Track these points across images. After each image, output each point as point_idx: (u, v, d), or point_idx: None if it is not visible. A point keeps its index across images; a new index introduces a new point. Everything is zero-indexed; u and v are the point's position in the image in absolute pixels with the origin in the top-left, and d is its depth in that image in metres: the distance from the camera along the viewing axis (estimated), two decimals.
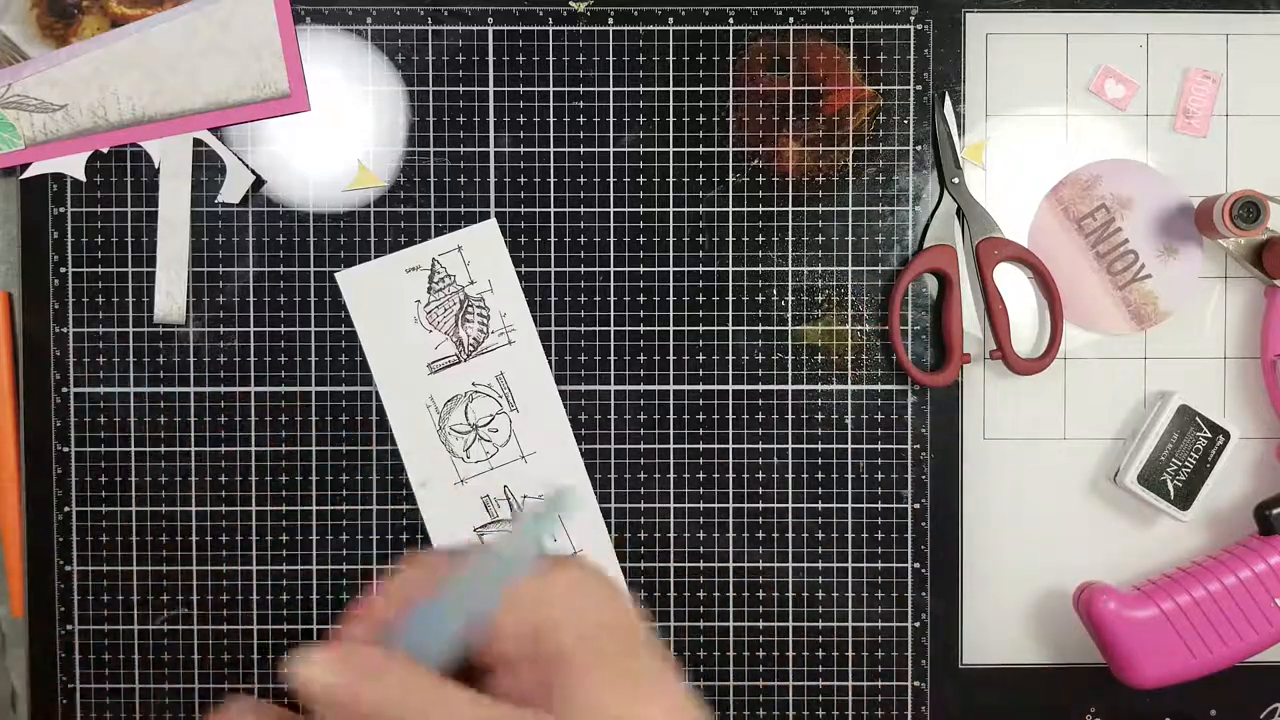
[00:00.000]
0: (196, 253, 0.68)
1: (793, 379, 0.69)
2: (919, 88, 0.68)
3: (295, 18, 0.68)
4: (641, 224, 0.68)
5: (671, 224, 0.68)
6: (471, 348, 0.68)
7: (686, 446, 0.69)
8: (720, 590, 0.69)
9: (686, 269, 0.68)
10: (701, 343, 0.69)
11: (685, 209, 0.68)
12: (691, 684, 0.69)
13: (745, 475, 0.69)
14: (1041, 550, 0.69)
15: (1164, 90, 0.69)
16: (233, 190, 0.68)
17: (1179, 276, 0.69)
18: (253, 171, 0.68)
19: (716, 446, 0.69)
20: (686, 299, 0.69)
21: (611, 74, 0.68)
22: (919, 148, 0.68)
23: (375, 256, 0.68)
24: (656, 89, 0.68)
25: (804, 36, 0.68)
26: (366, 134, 0.68)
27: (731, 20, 0.68)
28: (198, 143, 0.68)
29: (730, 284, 0.69)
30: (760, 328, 0.69)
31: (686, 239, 0.68)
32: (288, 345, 0.68)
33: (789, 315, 0.69)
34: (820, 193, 0.68)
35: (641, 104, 0.68)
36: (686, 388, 0.69)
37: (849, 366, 0.69)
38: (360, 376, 0.68)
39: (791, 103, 0.68)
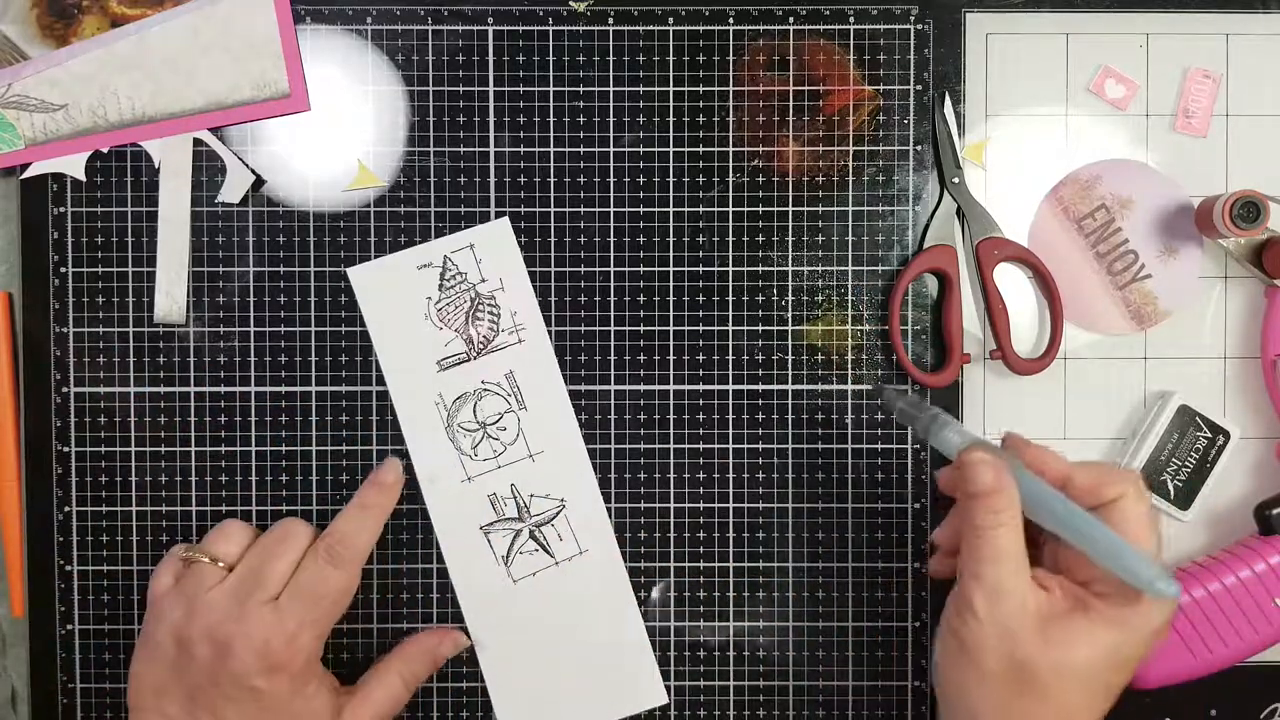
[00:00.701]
0: (196, 253, 0.68)
1: (793, 379, 0.69)
2: (919, 88, 0.68)
3: (295, 18, 0.68)
4: (641, 224, 0.68)
5: (671, 224, 0.68)
6: (481, 346, 0.68)
7: (686, 446, 0.69)
8: (720, 590, 0.69)
9: (686, 269, 0.68)
10: (701, 343, 0.69)
11: (685, 209, 0.68)
12: (691, 684, 0.69)
13: (745, 475, 0.69)
14: None
15: (1164, 90, 0.69)
16: (233, 190, 0.68)
17: (1179, 276, 0.69)
18: (253, 171, 0.68)
19: (716, 446, 0.69)
20: (686, 299, 0.69)
21: (611, 74, 0.68)
22: (919, 148, 0.68)
23: (376, 256, 0.68)
24: (656, 89, 0.68)
25: (804, 36, 0.68)
26: (366, 134, 0.68)
27: (731, 20, 0.68)
28: (198, 143, 0.68)
29: (730, 284, 0.69)
30: (760, 328, 0.69)
31: (686, 239, 0.68)
32: (288, 345, 0.68)
33: (789, 315, 0.69)
34: (820, 193, 0.68)
35: (641, 104, 0.68)
36: (686, 388, 0.69)
37: (849, 366, 0.69)
38: (361, 376, 0.68)
39: (791, 103, 0.68)
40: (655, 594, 0.68)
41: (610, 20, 0.68)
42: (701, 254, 0.68)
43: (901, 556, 0.69)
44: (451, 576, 0.68)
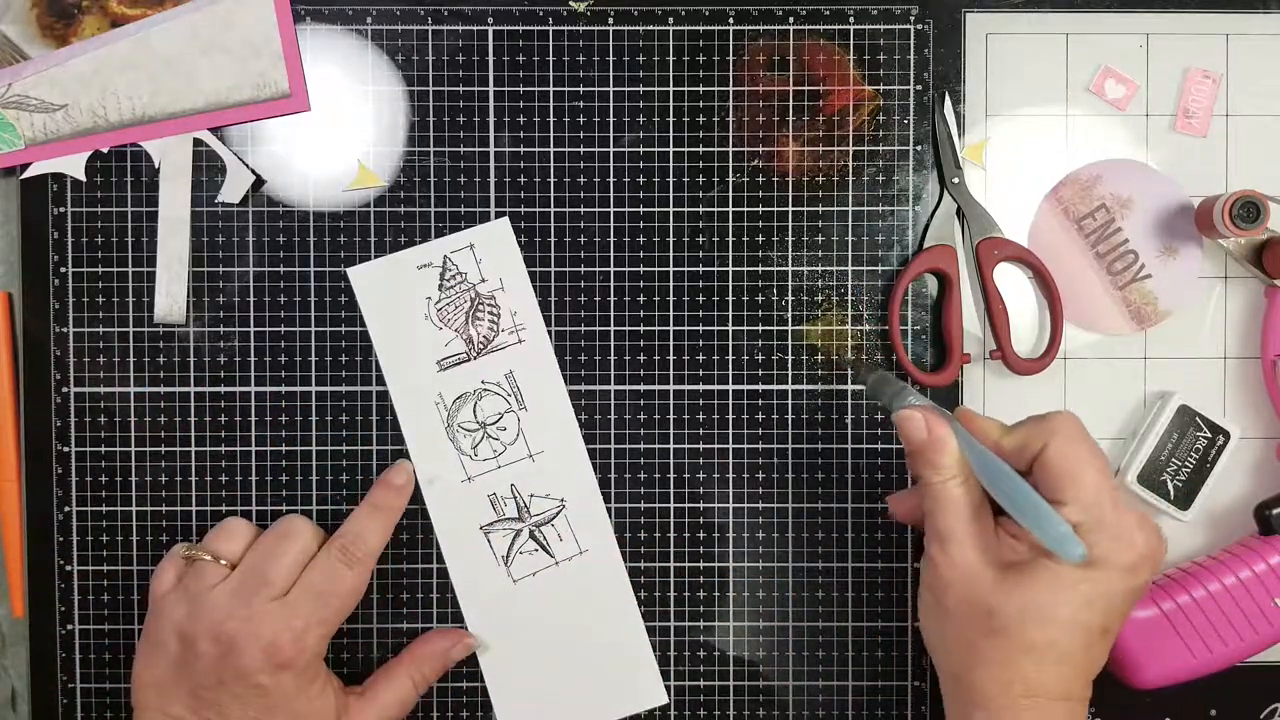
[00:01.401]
0: (196, 253, 0.68)
1: (793, 379, 0.69)
2: (919, 88, 0.68)
3: (295, 17, 0.68)
4: (641, 224, 0.68)
5: (671, 224, 0.68)
6: (481, 346, 0.68)
7: (686, 446, 0.69)
8: (720, 590, 0.69)
9: (686, 269, 0.68)
10: (701, 343, 0.69)
11: (685, 209, 0.68)
12: (691, 684, 0.69)
13: (745, 475, 0.69)
14: None
15: (1164, 90, 0.69)
16: (233, 190, 0.68)
17: (1179, 276, 0.69)
18: (253, 171, 0.68)
19: (716, 446, 0.69)
20: (686, 299, 0.69)
21: (611, 74, 0.68)
22: (919, 148, 0.68)
23: (376, 256, 0.68)
24: (656, 89, 0.68)
25: (804, 36, 0.68)
26: (366, 134, 0.68)
27: (731, 20, 0.68)
28: (198, 143, 0.68)
29: (730, 284, 0.69)
30: (760, 328, 0.69)
31: (686, 239, 0.68)
32: (288, 345, 0.68)
33: (789, 315, 0.69)
34: (820, 193, 0.68)
35: (641, 104, 0.68)
36: (686, 388, 0.69)
37: (849, 366, 0.69)
38: (361, 376, 0.68)
39: (791, 103, 0.68)
40: None
41: (610, 20, 0.68)
42: (701, 254, 0.68)
43: (901, 556, 0.69)
44: (451, 576, 0.68)
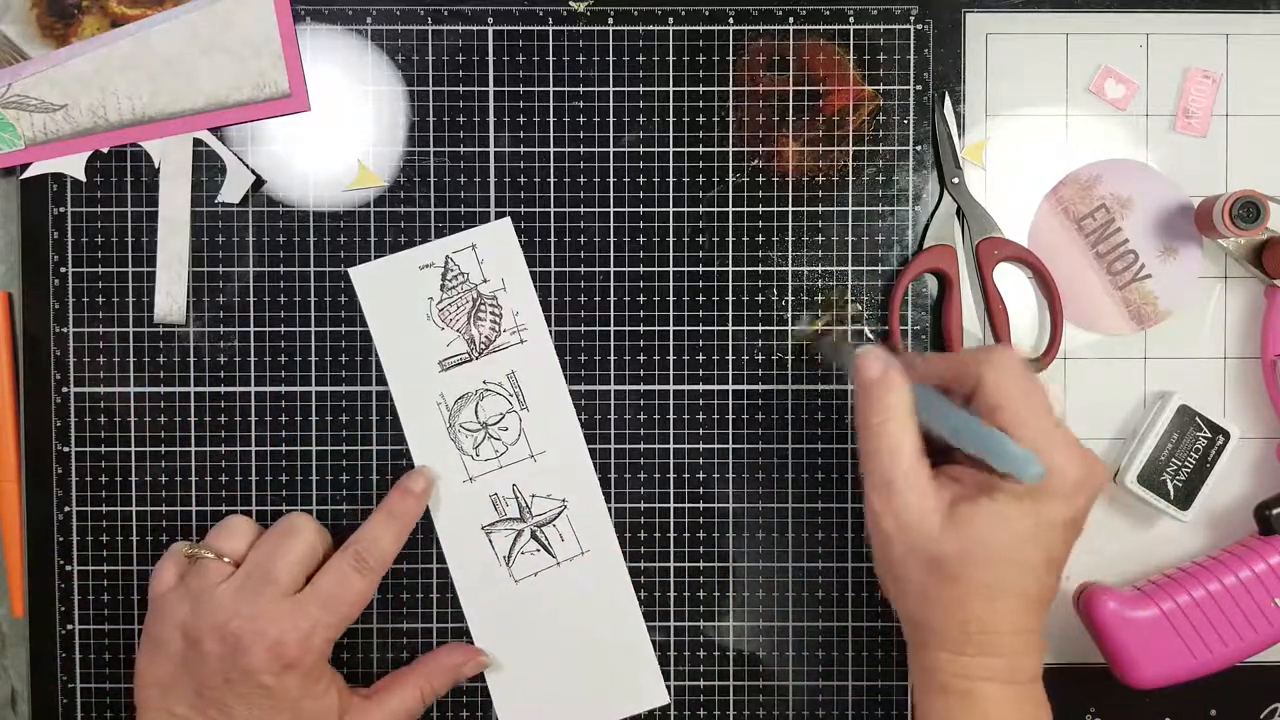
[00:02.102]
0: (196, 253, 0.68)
1: (793, 379, 0.69)
2: (919, 88, 0.68)
3: (295, 17, 0.68)
4: (641, 224, 0.68)
5: (671, 224, 0.68)
6: (483, 346, 0.68)
7: (686, 446, 0.69)
8: (720, 590, 0.69)
9: (686, 269, 0.68)
10: (701, 343, 0.69)
11: (685, 209, 0.68)
12: (692, 683, 0.69)
13: (745, 475, 0.69)
14: None
15: (1164, 90, 0.69)
16: (233, 190, 0.68)
17: (1179, 276, 0.69)
18: (253, 171, 0.68)
19: (716, 446, 0.69)
20: (686, 299, 0.69)
21: (611, 74, 0.68)
22: (919, 148, 0.68)
23: (376, 257, 0.68)
24: (656, 89, 0.68)
25: (804, 36, 0.68)
26: (366, 134, 0.68)
27: (731, 20, 0.68)
28: (198, 143, 0.68)
29: (730, 284, 0.69)
30: (760, 328, 0.69)
31: (686, 239, 0.68)
32: (288, 345, 0.68)
33: (789, 315, 0.69)
34: (820, 193, 0.68)
35: (641, 104, 0.68)
36: (686, 388, 0.69)
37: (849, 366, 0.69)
38: (361, 376, 0.68)
39: (791, 103, 0.68)
40: None
41: (610, 20, 0.68)
42: (701, 254, 0.68)
43: None
44: (453, 577, 0.68)
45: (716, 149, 0.68)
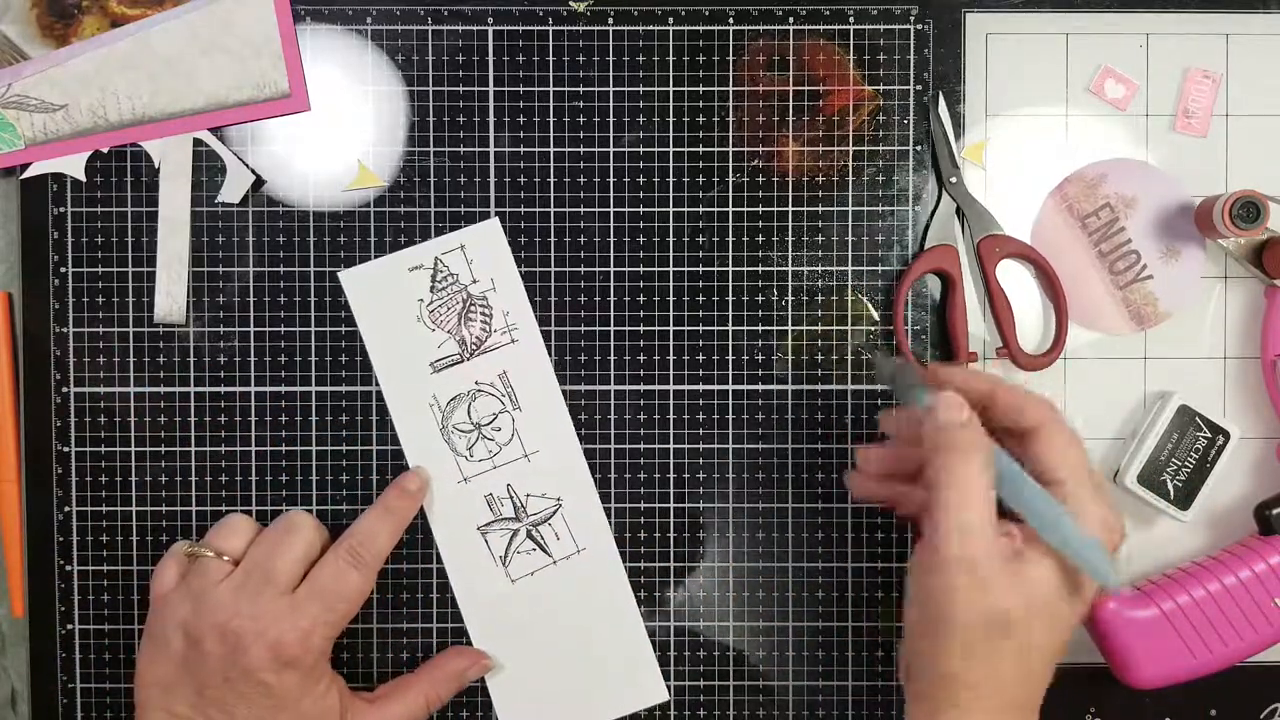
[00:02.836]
0: (196, 253, 0.68)
1: (793, 379, 0.69)
2: (919, 88, 0.68)
3: (295, 17, 0.68)
4: (641, 224, 0.68)
5: (671, 224, 0.68)
6: (474, 347, 0.68)
7: (686, 446, 0.69)
8: (720, 590, 0.69)
9: (686, 269, 0.68)
10: (701, 343, 0.69)
11: (685, 209, 0.68)
12: (691, 683, 0.69)
13: (745, 475, 0.69)
14: None
15: (1164, 90, 0.69)
16: (233, 190, 0.68)
17: (1180, 278, 0.69)
18: (253, 171, 0.68)
19: (716, 446, 0.69)
20: (686, 299, 0.69)
21: (611, 74, 0.68)
22: (919, 148, 0.68)
23: (375, 256, 0.68)
24: (656, 89, 0.68)
25: (804, 36, 0.68)
26: (366, 134, 0.68)
27: (731, 20, 0.68)
28: (198, 143, 0.68)
29: (730, 284, 0.69)
30: (760, 328, 0.69)
31: (686, 239, 0.68)
32: (288, 345, 0.68)
33: (789, 315, 0.69)
34: (820, 193, 0.68)
35: (641, 104, 0.68)
36: (686, 388, 0.69)
37: (849, 366, 0.69)
38: (360, 376, 0.68)
39: (791, 103, 0.68)
40: None
41: (610, 20, 0.68)
42: (701, 254, 0.68)
43: (901, 557, 0.69)
44: (450, 577, 0.68)
45: (716, 149, 0.68)
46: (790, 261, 0.68)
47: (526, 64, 0.68)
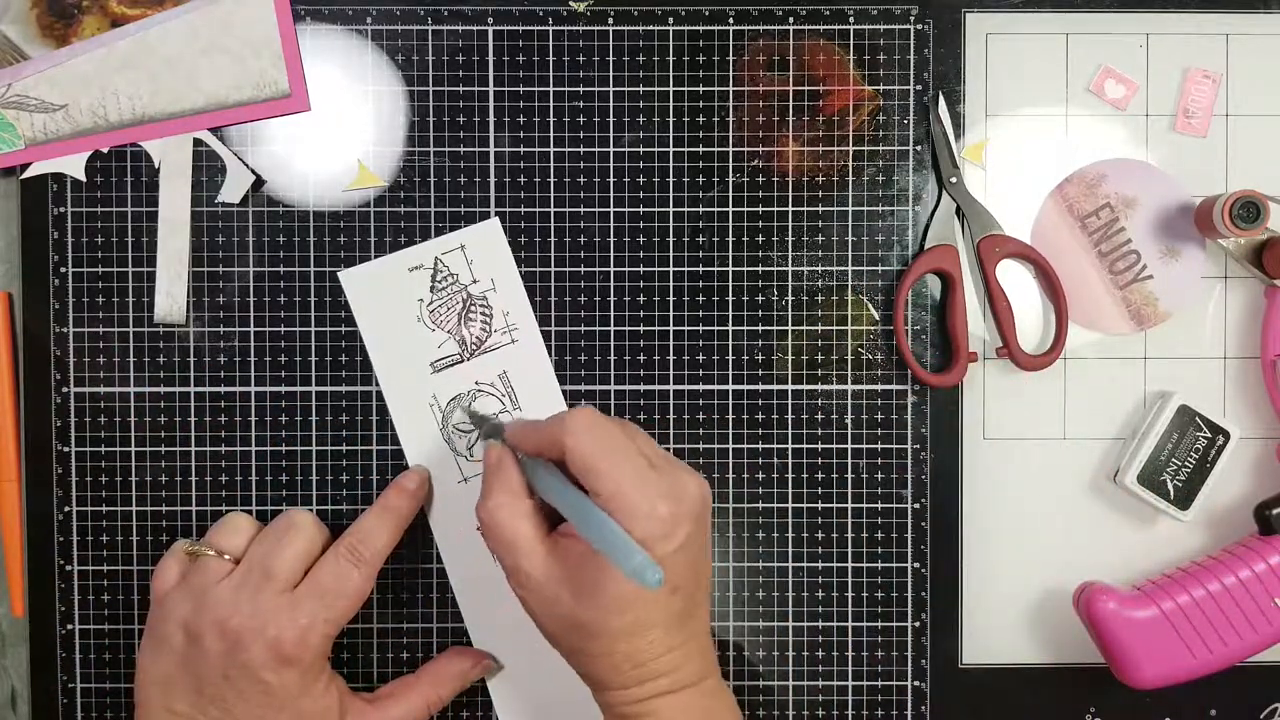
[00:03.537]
0: (196, 253, 0.68)
1: (793, 379, 0.69)
2: (919, 88, 0.68)
3: (295, 17, 0.68)
4: (641, 224, 0.68)
5: (671, 224, 0.68)
6: (474, 347, 0.68)
7: (687, 446, 0.69)
8: (721, 590, 0.69)
9: (686, 269, 0.68)
10: (701, 343, 0.69)
11: (685, 209, 0.68)
12: None
13: (745, 475, 0.69)
14: (1041, 550, 0.69)
15: (1164, 90, 0.69)
16: (233, 190, 0.68)
17: (1180, 278, 0.69)
18: (253, 171, 0.68)
19: (716, 446, 0.69)
20: (686, 299, 0.69)
21: (611, 74, 0.68)
22: (919, 148, 0.68)
23: (375, 256, 0.68)
24: (656, 89, 0.68)
25: (804, 36, 0.68)
26: (366, 134, 0.68)
27: (731, 20, 0.68)
28: (198, 143, 0.68)
29: (730, 284, 0.69)
30: (760, 328, 0.69)
31: (686, 239, 0.68)
32: (288, 345, 0.68)
33: (789, 315, 0.69)
34: (820, 193, 0.68)
35: (641, 104, 0.68)
36: (686, 388, 0.69)
37: (849, 366, 0.69)
38: (360, 376, 0.68)
39: (791, 103, 0.68)
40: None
41: (610, 20, 0.68)
42: (701, 254, 0.68)
43: (901, 556, 0.69)
44: (450, 577, 0.68)
45: (716, 149, 0.68)
46: (790, 262, 0.68)
47: (526, 64, 0.68)
